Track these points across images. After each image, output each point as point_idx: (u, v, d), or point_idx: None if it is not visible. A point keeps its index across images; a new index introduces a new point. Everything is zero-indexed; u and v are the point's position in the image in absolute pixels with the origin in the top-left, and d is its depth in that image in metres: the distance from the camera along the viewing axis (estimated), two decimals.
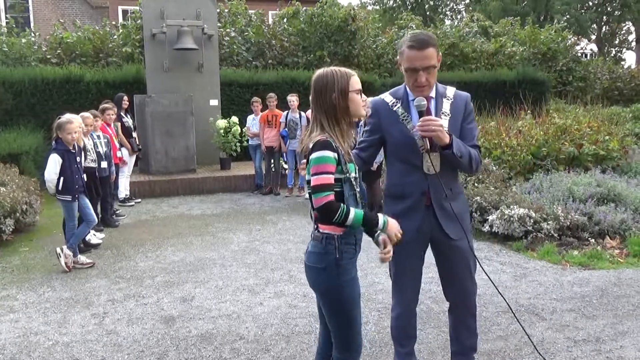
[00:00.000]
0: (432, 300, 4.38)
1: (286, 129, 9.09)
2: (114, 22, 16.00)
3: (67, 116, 5.47)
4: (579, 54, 21.11)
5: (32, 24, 18.73)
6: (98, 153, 6.72)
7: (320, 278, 2.36)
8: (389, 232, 2.38)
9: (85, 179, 5.81)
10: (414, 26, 16.52)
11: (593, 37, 34.48)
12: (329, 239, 2.33)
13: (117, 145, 7.86)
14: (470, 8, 33.37)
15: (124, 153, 8.41)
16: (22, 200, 6.61)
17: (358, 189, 2.40)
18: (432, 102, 2.75)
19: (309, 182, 2.32)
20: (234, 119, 10.31)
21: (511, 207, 5.99)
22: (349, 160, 2.35)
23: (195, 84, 10.99)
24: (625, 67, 23.39)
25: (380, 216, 2.37)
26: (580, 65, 18.66)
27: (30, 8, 20.60)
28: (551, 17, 29.15)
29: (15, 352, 3.63)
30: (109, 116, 7.64)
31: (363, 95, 2.45)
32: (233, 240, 6.42)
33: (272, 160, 9.47)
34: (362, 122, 7.27)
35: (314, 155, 2.26)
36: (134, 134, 8.95)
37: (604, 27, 35.71)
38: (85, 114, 6.54)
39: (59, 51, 12.85)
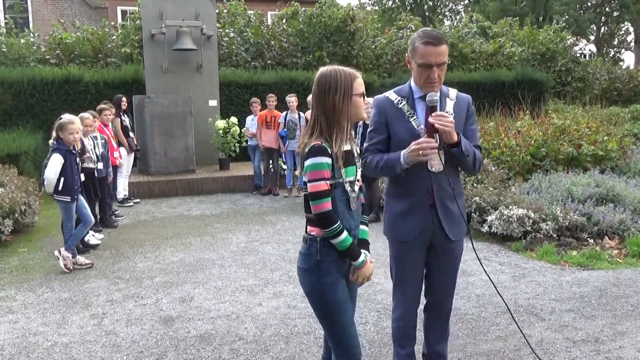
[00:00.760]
0: None
1: (285, 130, 9.09)
2: (113, 23, 16.00)
3: (68, 116, 5.47)
4: (578, 55, 21.13)
5: (31, 25, 18.72)
6: (95, 154, 6.71)
7: (304, 278, 2.37)
8: (361, 271, 2.39)
9: (84, 180, 5.81)
10: (412, 26, 16.53)
11: (592, 37, 34.51)
12: (312, 240, 2.34)
13: (115, 145, 7.86)
14: (469, 9, 33.40)
15: (122, 152, 8.40)
16: (20, 201, 6.61)
17: (354, 193, 2.37)
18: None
19: (305, 183, 2.33)
20: (233, 119, 10.32)
21: (510, 207, 6.00)
22: (346, 164, 2.33)
23: (195, 85, 11.00)
24: (624, 67, 23.42)
25: (363, 254, 2.37)
26: (579, 66, 18.67)
27: (29, 8, 20.59)
28: (550, 18, 29.17)
29: (14, 352, 3.63)
30: (106, 117, 7.64)
31: (365, 97, 2.43)
32: (232, 241, 6.42)
33: (271, 161, 9.46)
34: (360, 124, 7.29)
35: (309, 162, 2.26)
36: (132, 134, 8.95)
37: (603, 27, 35.74)
38: (85, 114, 6.54)
39: (57, 52, 12.85)
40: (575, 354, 3.47)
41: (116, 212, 7.75)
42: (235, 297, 4.57)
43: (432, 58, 2.59)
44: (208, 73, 11.15)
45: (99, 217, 6.97)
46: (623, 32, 37.37)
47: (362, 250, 2.40)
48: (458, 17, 34.91)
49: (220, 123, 10.21)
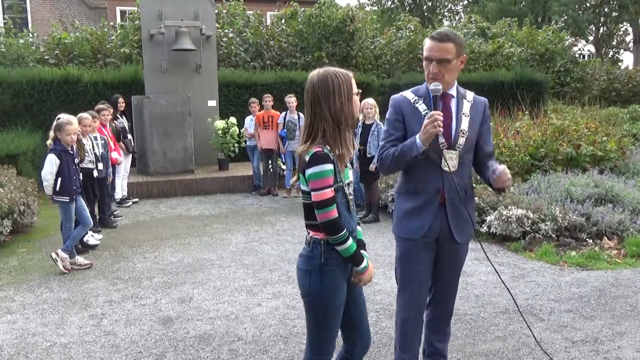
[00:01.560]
0: None
1: (285, 130, 9.08)
2: (112, 23, 15.99)
3: (66, 117, 5.46)
4: (577, 55, 21.16)
5: (30, 25, 18.72)
6: (95, 154, 6.70)
7: (305, 280, 2.36)
8: (362, 276, 2.40)
9: (82, 180, 5.80)
10: (412, 27, 16.54)
11: (591, 38, 34.55)
12: (316, 243, 2.33)
13: (113, 146, 7.84)
14: (468, 9, 33.44)
15: (120, 152, 8.38)
16: (19, 201, 6.60)
17: (351, 196, 2.39)
18: (454, 102, 2.79)
19: (303, 191, 2.33)
20: (232, 119, 10.31)
21: (509, 207, 6.00)
22: (344, 167, 2.34)
23: (194, 85, 10.99)
24: (623, 68, 23.44)
25: (365, 260, 2.38)
26: (577, 66, 18.70)
27: (28, 9, 20.58)
28: (549, 18, 29.21)
29: (12, 353, 3.62)
30: (104, 117, 7.63)
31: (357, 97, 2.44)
32: (231, 241, 6.41)
33: (270, 161, 9.46)
34: (359, 124, 7.30)
35: (312, 170, 2.23)
36: (129, 135, 8.94)
37: (602, 28, 35.78)
38: (84, 114, 6.53)
39: (56, 52, 12.84)
40: (574, 354, 3.47)
41: (115, 213, 7.75)
42: (234, 298, 4.57)
43: (432, 52, 2.66)
44: (207, 73, 11.15)
45: (97, 217, 6.97)
46: (622, 32, 37.43)
47: (363, 253, 2.40)
48: (457, 18, 34.93)
49: (219, 123, 10.21)
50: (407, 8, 33.66)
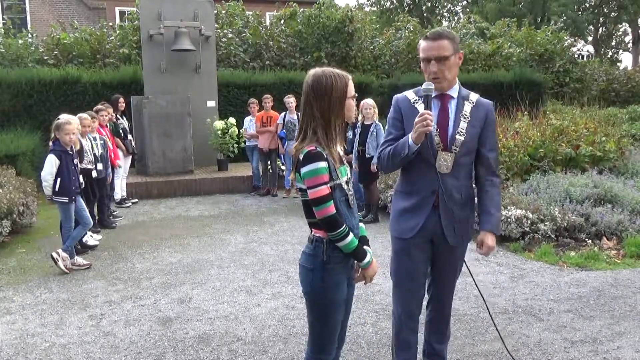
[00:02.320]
0: None
1: (284, 131, 9.08)
2: (111, 24, 15.96)
3: (65, 117, 5.47)
4: (576, 56, 21.16)
5: (29, 25, 18.69)
6: (94, 155, 6.70)
7: (307, 278, 2.38)
8: (367, 272, 2.41)
9: (82, 181, 5.79)
10: (411, 27, 16.55)
11: (590, 38, 34.60)
12: (318, 241, 2.34)
13: (111, 146, 7.83)
14: (468, 10, 33.46)
15: (119, 154, 8.38)
16: (19, 202, 6.59)
17: (350, 192, 2.39)
18: (453, 103, 2.76)
19: (300, 189, 2.34)
20: (232, 120, 10.31)
21: (508, 208, 6.00)
22: (339, 165, 2.35)
23: (193, 85, 10.99)
24: (622, 68, 23.46)
25: (369, 255, 2.39)
26: (576, 67, 18.70)
27: (27, 9, 20.55)
28: (548, 19, 29.22)
29: (11, 354, 3.62)
30: (102, 117, 7.62)
31: (354, 100, 2.43)
32: (230, 242, 6.41)
33: (269, 162, 9.46)
34: (358, 124, 7.30)
35: (306, 169, 2.25)
36: (129, 136, 8.94)
37: (601, 28, 35.83)
38: (83, 115, 6.53)
39: (56, 52, 12.83)
40: (573, 354, 3.47)
41: (114, 213, 7.74)
42: (233, 298, 4.57)
43: (429, 52, 2.66)
44: (206, 74, 11.15)
45: (97, 217, 6.96)
46: (621, 32, 37.49)
47: (367, 250, 2.41)
48: (456, 18, 34.96)
49: (219, 124, 10.21)
50: (406, 8, 33.68)
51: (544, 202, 6.28)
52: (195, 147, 10.39)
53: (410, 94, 2.82)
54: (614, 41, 37.94)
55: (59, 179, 5.31)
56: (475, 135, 2.75)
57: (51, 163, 5.31)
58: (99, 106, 7.80)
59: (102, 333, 3.92)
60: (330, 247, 2.32)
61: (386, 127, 2.88)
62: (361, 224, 2.51)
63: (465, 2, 36.12)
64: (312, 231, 2.39)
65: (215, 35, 11.63)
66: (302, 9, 15.42)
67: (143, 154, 10.01)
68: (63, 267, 5.28)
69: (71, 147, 5.48)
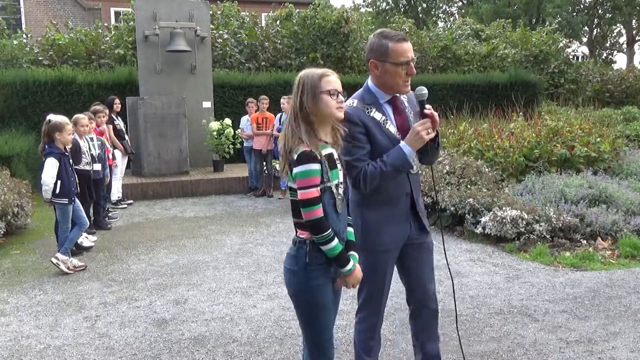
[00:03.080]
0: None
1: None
2: (106, 24, 15.94)
3: (59, 117, 5.42)
4: (571, 57, 21.24)
5: (23, 26, 18.63)
6: (92, 155, 6.68)
7: (290, 280, 2.37)
8: (349, 278, 2.37)
9: (79, 182, 5.77)
10: (406, 28, 16.58)
11: (584, 39, 34.74)
12: (301, 242, 2.33)
13: (109, 147, 7.82)
14: (463, 11, 33.55)
15: (117, 155, 8.38)
16: (13, 203, 6.57)
17: (339, 196, 2.35)
18: (401, 100, 2.77)
19: (291, 188, 2.33)
20: (227, 121, 10.30)
21: (504, 208, 6.01)
22: (330, 168, 2.30)
23: (188, 86, 10.98)
24: (616, 69, 23.55)
25: (352, 262, 2.36)
26: (571, 68, 18.78)
27: (22, 10, 20.48)
28: (543, 20, 29.35)
29: (6, 356, 3.60)
30: (99, 118, 7.60)
31: (340, 96, 2.34)
32: (226, 243, 6.40)
33: (265, 163, 9.46)
34: None
35: (299, 169, 2.23)
36: (127, 137, 8.92)
37: (595, 29, 36.00)
38: (80, 115, 6.51)
39: (50, 53, 12.79)
40: (568, 354, 3.48)
41: (110, 214, 7.72)
42: (229, 299, 4.56)
43: (410, 53, 2.62)
44: (202, 74, 11.13)
45: (92, 219, 6.94)
46: (615, 34, 37.66)
47: (351, 255, 2.39)
48: (452, 19, 35.05)
49: (214, 125, 10.19)
50: (402, 9, 33.74)
51: (539, 202, 6.30)
52: (190, 148, 10.37)
53: (359, 104, 2.68)
54: (609, 42, 38.12)
55: (59, 182, 5.27)
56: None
57: (52, 166, 5.26)
58: (97, 107, 7.76)
59: (97, 335, 3.91)
60: (313, 249, 2.30)
61: (350, 145, 2.56)
62: (350, 229, 2.48)
63: (460, 3, 36.22)
64: (297, 232, 2.38)
65: (210, 36, 11.62)
66: (297, 10, 15.43)
67: (138, 155, 9.99)
68: (66, 269, 5.25)
69: (65, 148, 5.46)
